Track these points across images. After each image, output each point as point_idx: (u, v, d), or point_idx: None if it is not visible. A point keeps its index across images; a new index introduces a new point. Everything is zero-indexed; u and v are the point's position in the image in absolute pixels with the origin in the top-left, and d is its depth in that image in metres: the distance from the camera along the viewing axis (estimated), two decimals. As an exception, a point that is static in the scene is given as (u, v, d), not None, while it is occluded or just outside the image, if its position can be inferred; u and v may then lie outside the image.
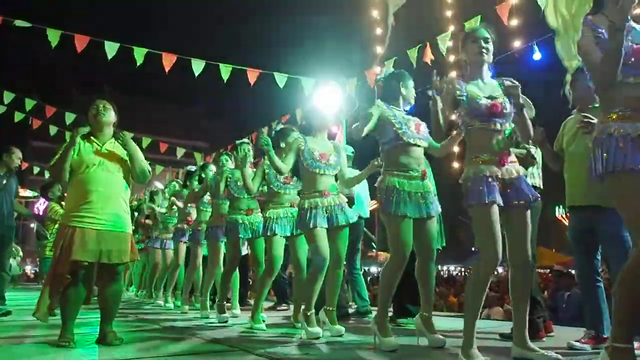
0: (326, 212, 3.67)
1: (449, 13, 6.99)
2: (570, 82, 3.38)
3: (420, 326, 3.24)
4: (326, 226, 3.64)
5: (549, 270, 13.07)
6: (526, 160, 3.46)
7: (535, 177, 3.63)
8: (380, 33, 6.90)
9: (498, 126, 2.67)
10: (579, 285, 3.49)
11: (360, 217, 5.28)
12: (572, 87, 3.37)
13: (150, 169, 3.61)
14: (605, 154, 2.18)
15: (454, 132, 3.20)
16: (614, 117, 2.21)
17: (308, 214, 3.62)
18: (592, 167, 2.26)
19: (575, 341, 3.09)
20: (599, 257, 3.28)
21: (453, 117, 2.84)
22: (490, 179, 2.58)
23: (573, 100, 3.41)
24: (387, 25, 2.36)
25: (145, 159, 3.59)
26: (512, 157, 2.74)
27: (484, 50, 2.78)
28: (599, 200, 3.03)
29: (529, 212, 2.67)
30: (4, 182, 5.30)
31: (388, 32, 2.46)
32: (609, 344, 2.17)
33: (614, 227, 2.97)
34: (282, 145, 4.23)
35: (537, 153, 3.60)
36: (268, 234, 4.20)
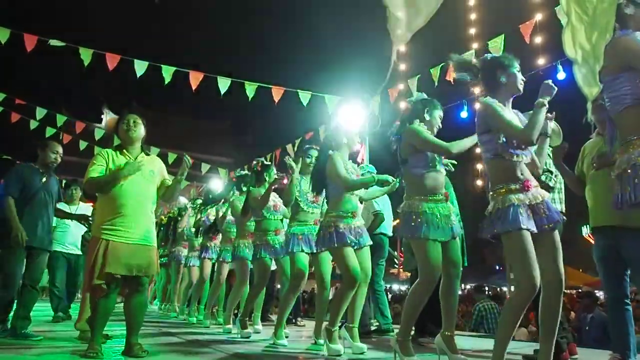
0: (354, 232, 3.72)
1: (472, 31, 7.04)
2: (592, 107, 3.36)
3: (442, 345, 3.22)
4: (355, 246, 3.70)
5: (575, 292, 12.80)
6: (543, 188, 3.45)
7: (556, 202, 3.59)
8: (404, 51, 6.96)
9: (522, 158, 2.67)
10: (608, 307, 3.43)
11: (383, 234, 5.30)
12: (594, 110, 3.36)
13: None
14: (628, 187, 2.11)
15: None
16: (636, 144, 2.14)
17: (340, 233, 3.65)
18: (617, 200, 2.19)
19: (600, 364, 3.05)
20: (627, 279, 3.23)
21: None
22: (520, 206, 2.55)
23: (597, 121, 3.40)
24: (391, 60, 2.37)
25: (172, 173, 3.69)
26: (534, 182, 2.72)
27: (522, 84, 2.76)
28: (622, 220, 3.00)
29: (557, 233, 2.66)
30: (43, 179, 4.52)
31: (390, 67, 2.47)
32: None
33: (638, 248, 2.94)
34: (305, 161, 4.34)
35: (558, 177, 3.58)
36: (292, 250, 4.22)
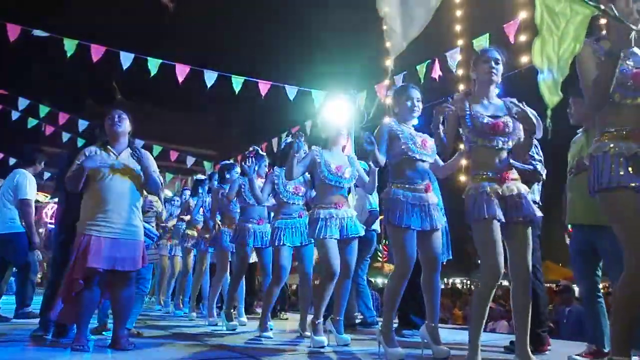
0: (339, 224, 3.76)
1: (457, 28, 7.10)
2: (572, 103, 3.47)
3: (426, 336, 3.30)
4: (338, 237, 3.74)
5: (555, 285, 13.04)
6: (532, 176, 3.53)
7: (534, 192, 3.68)
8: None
9: (500, 144, 2.77)
10: (583, 300, 3.54)
11: (373, 230, 5.37)
12: (573, 106, 3.46)
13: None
14: (600, 171, 2.29)
15: (460, 149, 3.28)
16: (610, 136, 2.33)
17: (321, 225, 3.70)
18: (590, 184, 2.37)
19: (576, 355, 3.15)
20: (599, 274, 3.34)
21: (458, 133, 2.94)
22: (490, 195, 2.66)
23: (575, 120, 3.49)
24: (389, 70, 2.46)
25: (157, 166, 3.71)
26: (514, 175, 2.81)
27: (494, 71, 2.89)
28: (599, 220, 3.10)
29: (530, 228, 2.75)
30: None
31: (388, 75, 2.56)
32: (608, 358, 2.24)
33: (614, 244, 3.04)
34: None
35: (543, 170, 3.66)
36: (276, 243, 4.25)
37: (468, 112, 2.82)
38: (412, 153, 3.31)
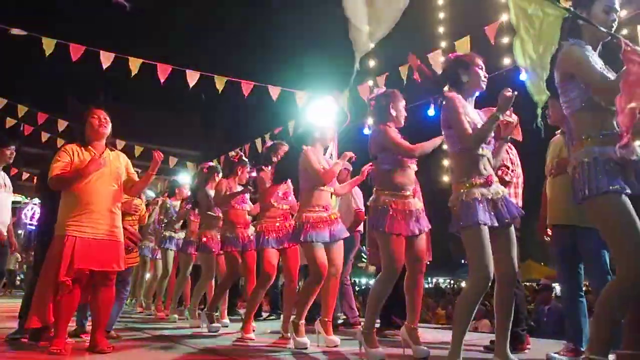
0: (328, 227, 3.74)
1: (440, 30, 7.15)
2: (549, 105, 3.49)
3: (406, 337, 3.32)
4: (328, 240, 3.73)
5: (536, 284, 13.20)
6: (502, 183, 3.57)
7: (512, 197, 3.70)
8: (373, 47, 7.01)
9: (486, 152, 2.76)
10: (562, 299, 3.59)
11: (358, 231, 5.38)
12: (550, 108, 3.49)
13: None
14: (588, 177, 2.27)
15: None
16: (596, 140, 2.31)
17: (311, 228, 3.67)
18: (577, 190, 2.33)
19: (555, 353, 3.19)
20: (582, 273, 3.39)
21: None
22: (482, 202, 2.65)
23: (552, 121, 3.53)
24: (354, 69, 2.43)
25: (138, 166, 3.69)
26: (495, 177, 2.83)
27: (484, 80, 2.86)
28: (580, 220, 3.15)
29: (512, 228, 2.77)
30: None
31: (353, 74, 2.53)
32: (585, 357, 2.27)
33: (594, 245, 3.09)
34: (274, 159, 4.34)
35: (514, 172, 3.69)
36: (263, 246, 4.21)
37: (464, 114, 2.74)
38: (406, 162, 3.32)
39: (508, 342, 2.68)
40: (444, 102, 2.81)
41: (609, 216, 2.25)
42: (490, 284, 2.62)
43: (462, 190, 2.69)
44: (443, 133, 2.88)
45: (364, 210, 5.22)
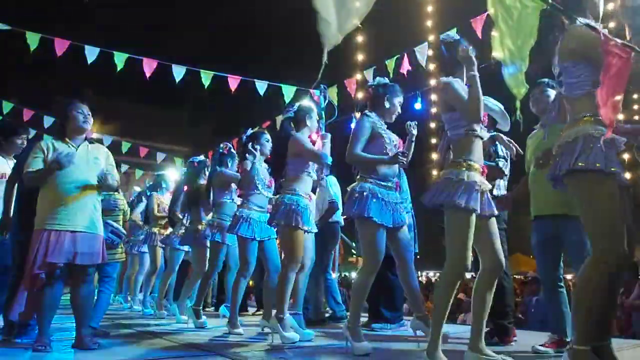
0: (308, 215, 3.72)
1: (428, 23, 7.15)
2: (534, 97, 3.50)
3: (421, 325, 3.35)
4: (313, 230, 3.73)
5: (524, 277, 13.29)
6: (496, 173, 3.58)
7: (501, 188, 3.73)
8: (361, 41, 7.02)
9: (481, 132, 2.77)
10: (544, 290, 3.61)
11: (336, 222, 5.36)
12: (535, 101, 3.49)
13: (118, 179, 3.62)
14: (593, 150, 2.25)
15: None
16: (600, 121, 2.27)
17: (301, 214, 3.62)
18: (564, 162, 2.32)
19: (539, 345, 3.21)
20: (562, 264, 3.41)
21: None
22: (477, 188, 2.64)
23: (538, 112, 3.53)
24: (322, 62, 2.40)
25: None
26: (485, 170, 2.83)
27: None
28: (564, 209, 3.15)
29: (494, 220, 2.78)
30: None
31: (322, 67, 2.50)
32: (569, 347, 2.28)
33: (578, 234, 3.10)
34: (257, 147, 4.32)
35: (506, 167, 3.71)
36: (246, 235, 4.12)
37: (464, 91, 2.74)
38: (392, 153, 3.30)
39: (483, 335, 2.66)
40: (442, 87, 2.82)
41: (599, 197, 2.24)
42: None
43: (462, 169, 2.66)
44: (444, 118, 2.86)
45: (337, 202, 5.19)
